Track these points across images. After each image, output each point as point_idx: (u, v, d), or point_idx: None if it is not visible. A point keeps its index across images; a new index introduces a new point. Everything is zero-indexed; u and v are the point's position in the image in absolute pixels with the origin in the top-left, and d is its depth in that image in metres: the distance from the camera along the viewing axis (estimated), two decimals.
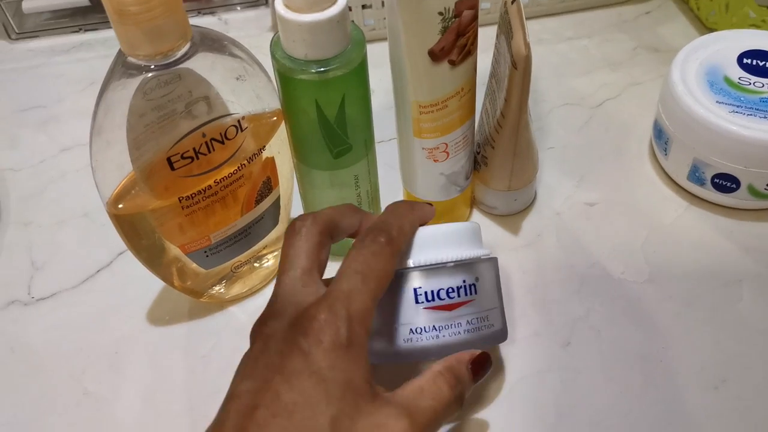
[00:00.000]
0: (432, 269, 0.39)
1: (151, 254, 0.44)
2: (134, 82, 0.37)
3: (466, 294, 0.39)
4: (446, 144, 0.46)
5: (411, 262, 0.39)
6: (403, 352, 0.38)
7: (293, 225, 0.38)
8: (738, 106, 0.50)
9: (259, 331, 0.35)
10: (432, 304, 0.39)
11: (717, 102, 0.50)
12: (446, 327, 0.39)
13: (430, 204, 0.42)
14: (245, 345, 0.46)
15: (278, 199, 0.46)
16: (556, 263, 0.50)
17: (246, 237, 0.46)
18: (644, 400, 0.43)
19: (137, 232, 0.42)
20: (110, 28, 0.36)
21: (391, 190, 0.53)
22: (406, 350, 0.38)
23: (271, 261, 0.50)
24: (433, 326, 0.39)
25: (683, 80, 0.52)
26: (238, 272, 0.48)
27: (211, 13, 0.75)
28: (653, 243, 0.51)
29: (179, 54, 0.37)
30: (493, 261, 0.42)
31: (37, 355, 0.47)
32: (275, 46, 0.40)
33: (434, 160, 0.47)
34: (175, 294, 0.48)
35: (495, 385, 0.44)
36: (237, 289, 0.49)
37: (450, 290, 0.39)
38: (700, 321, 0.47)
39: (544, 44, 0.68)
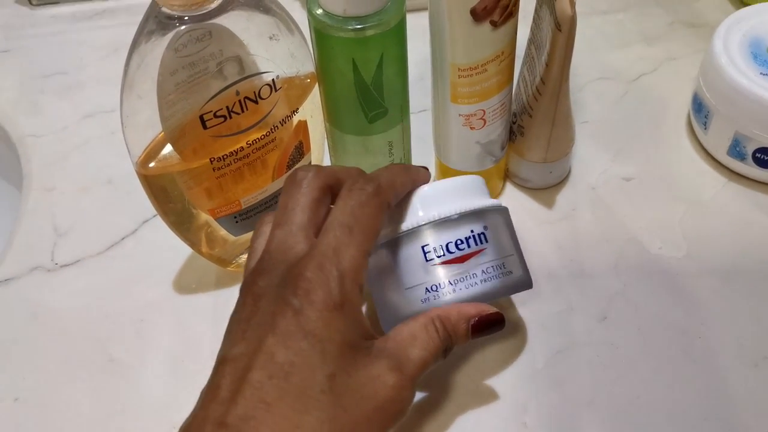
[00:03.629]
0: (437, 224, 0.38)
1: (180, 218, 0.43)
2: (167, 37, 0.36)
3: (476, 243, 0.38)
4: (484, 111, 0.44)
5: (414, 221, 0.38)
6: None
7: (294, 174, 0.37)
8: None
9: (248, 289, 0.34)
10: (443, 258, 0.38)
11: (761, 74, 0.48)
12: (462, 280, 0.38)
13: (426, 168, 0.41)
14: None
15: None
16: (591, 238, 0.49)
17: (277, 203, 0.44)
18: (683, 377, 0.42)
19: (167, 194, 0.41)
20: None
21: (420, 163, 0.51)
22: (426, 310, 0.37)
23: None
24: (449, 281, 0.38)
25: (726, 52, 0.50)
26: None
27: None
28: (691, 218, 0.50)
29: (213, 5, 0.36)
30: (503, 210, 0.41)
31: (61, 321, 0.46)
32: (312, 2, 0.39)
33: (470, 128, 0.45)
34: (202, 262, 0.47)
35: (530, 359, 0.43)
36: None
37: (459, 242, 0.38)
38: (739, 297, 0.45)
39: (578, 17, 0.66)
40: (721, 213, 0.50)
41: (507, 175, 0.52)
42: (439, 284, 0.38)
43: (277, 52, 0.40)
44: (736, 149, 0.50)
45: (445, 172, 0.49)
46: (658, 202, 0.51)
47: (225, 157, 0.40)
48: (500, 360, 0.43)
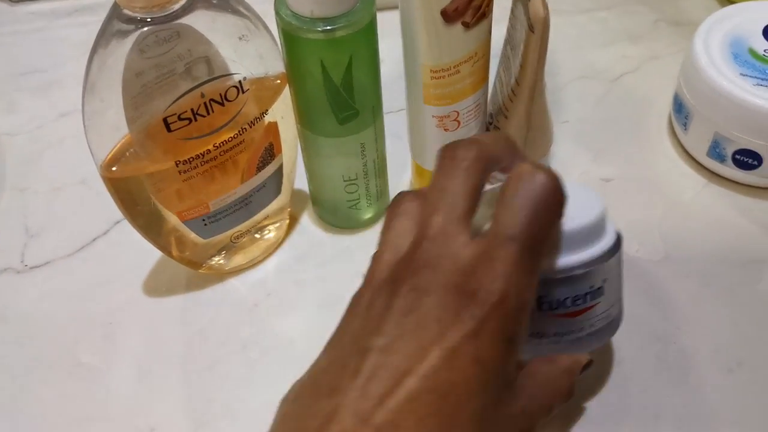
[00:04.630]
0: (561, 280, 0.34)
1: (148, 222, 0.42)
2: (130, 38, 0.35)
3: (593, 298, 0.35)
4: (457, 112, 0.44)
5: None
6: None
7: (454, 152, 0.32)
8: (763, 79, 0.47)
9: (403, 277, 0.30)
10: (556, 312, 0.35)
11: (741, 74, 0.48)
12: (569, 333, 0.36)
13: None
14: (244, 319, 0.45)
15: (281, 167, 0.45)
16: None
17: (246, 206, 0.44)
18: (657, 382, 0.41)
19: (133, 198, 0.40)
20: None
21: (398, 163, 0.51)
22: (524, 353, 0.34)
23: (272, 233, 0.48)
24: (555, 332, 0.36)
25: (706, 52, 0.49)
26: (238, 243, 0.46)
27: None
28: (670, 221, 0.49)
29: (177, 7, 0.35)
30: (619, 251, 0.37)
31: (30, 324, 0.45)
32: (279, 2, 0.38)
33: (444, 129, 0.45)
34: (173, 264, 0.46)
35: None
36: (237, 260, 0.47)
37: (577, 298, 0.35)
38: (717, 302, 0.45)
39: (563, 15, 0.66)
40: (701, 215, 0.50)
41: None
42: (545, 333, 0.35)
43: (245, 52, 0.39)
44: (715, 151, 0.50)
45: (421, 172, 0.49)
46: (638, 203, 0.50)
47: (191, 159, 0.39)
48: None
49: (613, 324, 0.38)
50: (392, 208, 0.34)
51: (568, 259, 0.34)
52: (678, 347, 0.43)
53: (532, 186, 0.30)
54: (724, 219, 0.49)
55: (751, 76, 0.48)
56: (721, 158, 0.50)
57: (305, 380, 0.31)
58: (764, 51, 0.49)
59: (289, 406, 0.30)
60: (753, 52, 0.49)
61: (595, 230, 0.35)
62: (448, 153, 0.32)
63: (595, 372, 0.41)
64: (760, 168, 0.48)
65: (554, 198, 0.31)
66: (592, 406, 0.40)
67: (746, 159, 0.48)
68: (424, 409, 0.27)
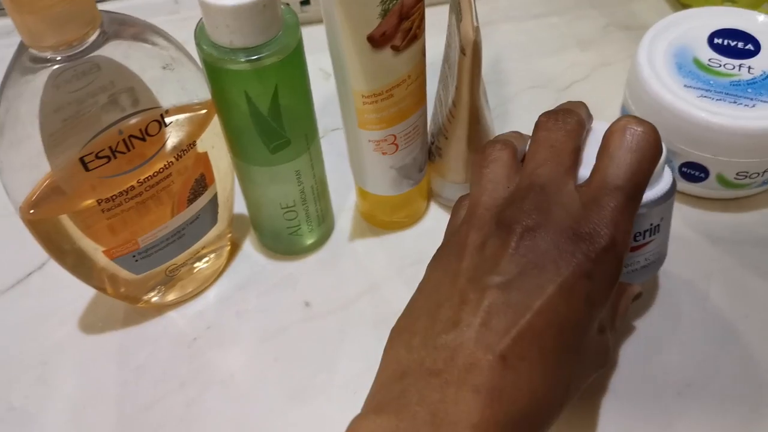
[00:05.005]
0: None
1: (76, 262, 0.41)
2: (41, 76, 0.34)
3: (650, 234, 0.38)
4: (394, 136, 0.42)
5: None
6: None
7: (557, 117, 0.35)
8: (707, 90, 0.46)
9: (515, 220, 0.32)
10: None
11: (685, 86, 0.47)
12: (626, 266, 0.38)
13: None
14: (183, 354, 0.43)
15: (215, 196, 0.43)
16: None
17: (180, 239, 0.42)
18: (603, 405, 0.40)
19: (57, 240, 0.39)
20: None
21: (344, 183, 0.50)
22: None
23: (212, 261, 0.46)
24: None
25: (650, 62, 0.48)
26: (175, 275, 0.45)
27: None
28: None
29: (88, 43, 0.34)
30: (675, 192, 0.39)
31: None
32: (200, 32, 0.37)
33: (382, 153, 0.43)
34: (110, 298, 0.45)
35: None
36: (176, 293, 0.46)
37: (637, 234, 0.37)
38: (663, 320, 0.44)
39: (512, 22, 0.65)
40: None
41: (431, 195, 0.51)
42: None
43: (170, 83, 0.38)
44: None
45: (365, 195, 0.47)
46: None
47: (114, 197, 0.38)
48: None
49: (661, 259, 0.41)
50: (482, 156, 0.36)
51: None
52: (624, 369, 0.42)
53: (636, 139, 0.33)
54: (671, 232, 0.48)
55: (695, 88, 0.47)
56: None
57: (415, 317, 0.32)
58: (709, 60, 0.48)
59: (408, 340, 0.31)
60: (698, 62, 0.48)
61: (658, 173, 0.37)
62: (551, 117, 0.35)
63: None
64: (706, 180, 0.47)
65: (655, 150, 0.34)
66: None
67: (693, 172, 0.47)
68: (544, 342, 0.30)
